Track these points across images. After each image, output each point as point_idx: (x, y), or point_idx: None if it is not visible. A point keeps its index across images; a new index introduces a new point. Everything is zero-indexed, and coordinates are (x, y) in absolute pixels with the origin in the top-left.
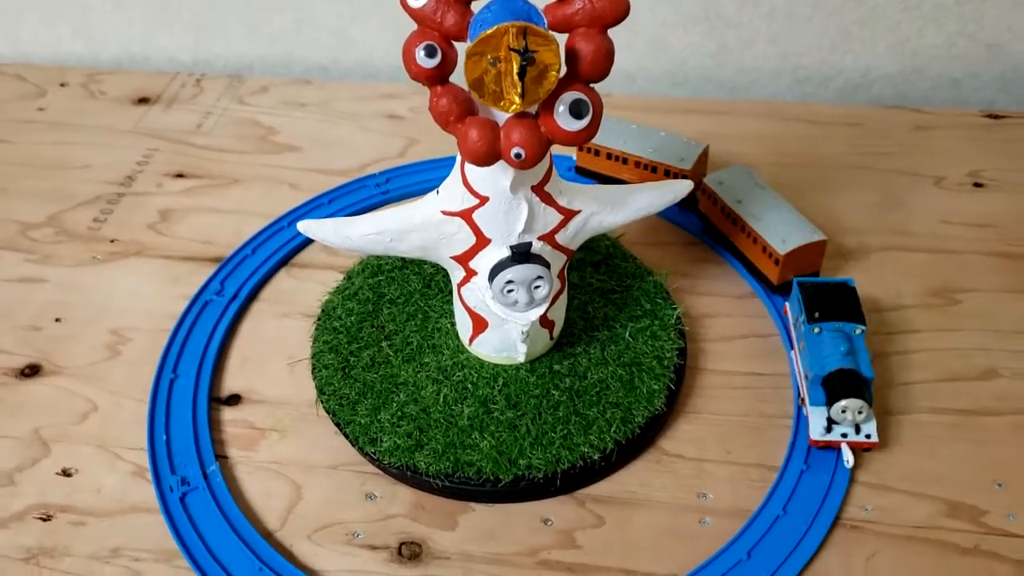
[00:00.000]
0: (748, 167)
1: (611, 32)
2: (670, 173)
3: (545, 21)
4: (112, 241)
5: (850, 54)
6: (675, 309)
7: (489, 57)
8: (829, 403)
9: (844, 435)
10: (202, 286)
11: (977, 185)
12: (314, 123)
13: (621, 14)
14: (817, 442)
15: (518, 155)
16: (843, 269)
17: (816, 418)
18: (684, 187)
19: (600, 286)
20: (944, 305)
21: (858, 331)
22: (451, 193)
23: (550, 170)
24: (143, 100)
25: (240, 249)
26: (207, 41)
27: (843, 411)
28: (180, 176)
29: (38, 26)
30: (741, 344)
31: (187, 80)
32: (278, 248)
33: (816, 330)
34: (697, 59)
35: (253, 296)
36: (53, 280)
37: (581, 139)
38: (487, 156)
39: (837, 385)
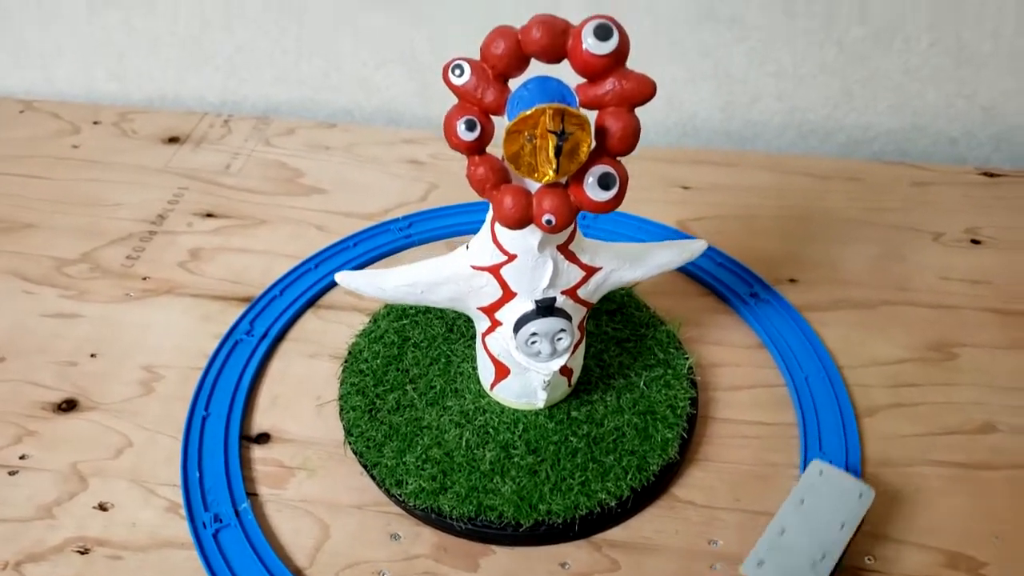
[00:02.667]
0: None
1: None
2: None
3: (577, 99)
4: (144, 279)
5: (853, 112)
6: (687, 359)
7: (527, 134)
8: None
9: None
10: (232, 325)
11: (974, 242)
12: (339, 166)
13: (648, 95)
14: None
15: (549, 221)
16: (846, 321)
17: None
18: (699, 247)
19: (615, 335)
20: (942, 359)
21: None
22: (481, 249)
23: (574, 231)
24: (173, 139)
25: (269, 290)
26: (236, 83)
27: None
28: (210, 216)
29: (74, 66)
30: (749, 394)
31: (215, 121)
32: (305, 289)
33: None
34: (706, 112)
35: (281, 336)
36: (88, 316)
37: (608, 208)
38: (520, 222)
39: None
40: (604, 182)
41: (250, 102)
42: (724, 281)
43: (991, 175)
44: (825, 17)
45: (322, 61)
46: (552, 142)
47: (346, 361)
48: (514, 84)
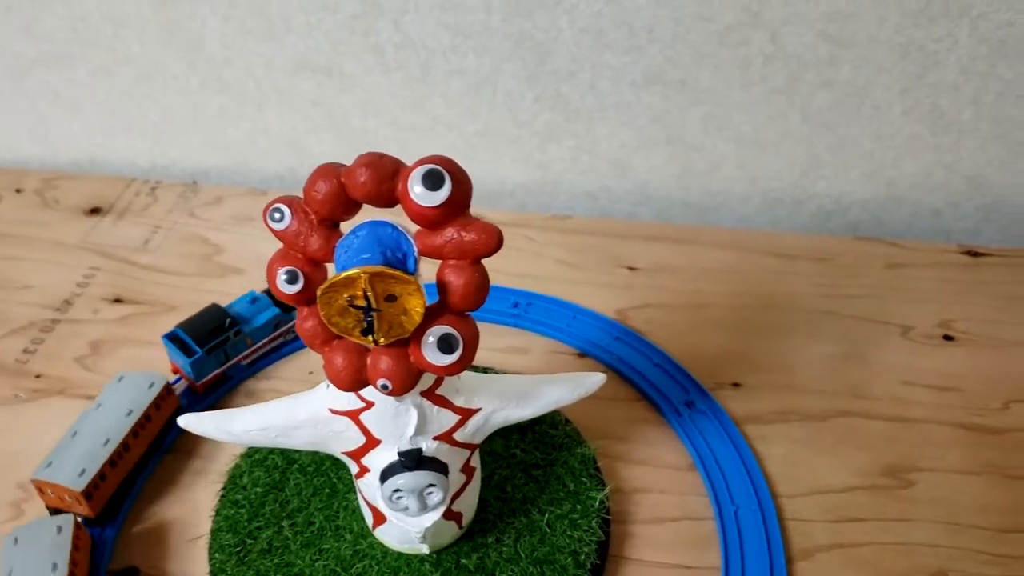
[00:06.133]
0: None
1: (570, 147)
2: None
3: (415, 248)
4: (37, 376)
5: (822, 180)
6: (600, 491)
7: (346, 296)
8: None
9: None
10: None
11: (947, 338)
12: (261, 241)
13: (492, 248)
14: None
15: (385, 387)
16: (791, 436)
17: None
18: (596, 381)
19: (524, 458)
20: (896, 488)
21: None
22: (338, 391)
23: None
24: (95, 210)
25: None
26: (164, 147)
27: None
28: (118, 301)
29: None
30: (672, 529)
31: (142, 188)
32: None
33: None
34: (661, 180)
35: (169, 447)
36: None
37: (454, 371)
38: (352, 384)
39: None
40: (445, 344)
41: (179, 167)
42: (658, 386)
43: (974, 254)
44: (785, 81)
45: (249, 125)
46: (359, 319)
47: (224, 487)
48: (347, 229)
